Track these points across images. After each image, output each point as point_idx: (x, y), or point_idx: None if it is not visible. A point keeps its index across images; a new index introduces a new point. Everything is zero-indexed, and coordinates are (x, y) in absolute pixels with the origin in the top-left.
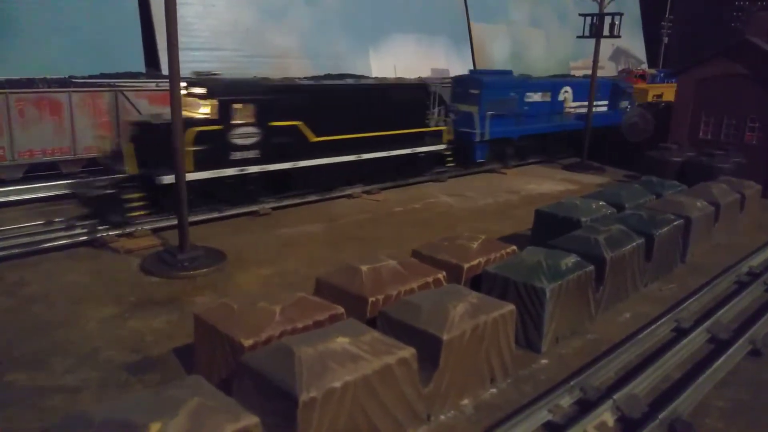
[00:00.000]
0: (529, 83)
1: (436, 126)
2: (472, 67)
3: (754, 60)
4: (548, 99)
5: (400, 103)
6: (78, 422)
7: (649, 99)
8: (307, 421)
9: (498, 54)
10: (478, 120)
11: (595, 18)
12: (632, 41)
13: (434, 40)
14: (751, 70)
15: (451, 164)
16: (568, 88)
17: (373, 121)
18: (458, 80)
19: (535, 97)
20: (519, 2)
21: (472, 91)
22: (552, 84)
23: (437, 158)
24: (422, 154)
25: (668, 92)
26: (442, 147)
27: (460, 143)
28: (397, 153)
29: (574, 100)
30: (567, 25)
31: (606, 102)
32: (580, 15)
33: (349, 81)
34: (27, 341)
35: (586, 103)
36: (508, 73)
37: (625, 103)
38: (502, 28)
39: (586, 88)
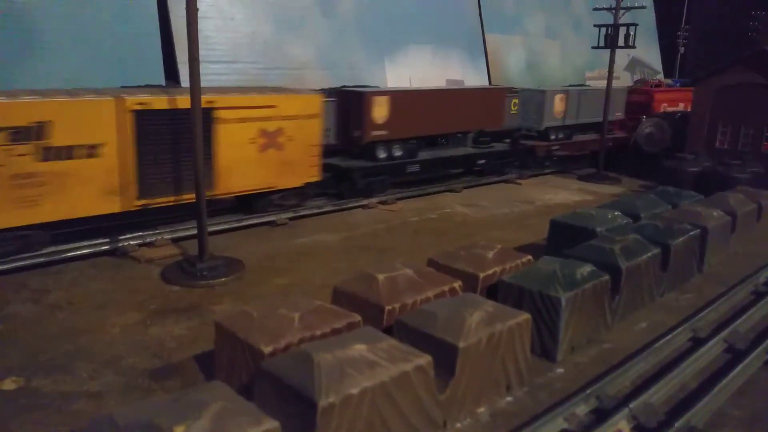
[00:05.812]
0: None
1: None
2: (487, 78)
3: None
4: None
5: None
6: (104, 425)
7: None
8: (326, 426)
9: (513, 65)
10: None
11: (610, 29)
12: (648, 51)
13: (450, 51)
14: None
15: None
16: None
17: None
18: None
19: None
20: (534, 13)
21: None
22: None
23: None
24: None
25: None
26: None
27: None
28: None
29: None
30: (583, 35)
31: None
32: (595, 26)
33: None
34: (52, 347)
35: None
36: None
37: None
38: (517, 39)
39: None
